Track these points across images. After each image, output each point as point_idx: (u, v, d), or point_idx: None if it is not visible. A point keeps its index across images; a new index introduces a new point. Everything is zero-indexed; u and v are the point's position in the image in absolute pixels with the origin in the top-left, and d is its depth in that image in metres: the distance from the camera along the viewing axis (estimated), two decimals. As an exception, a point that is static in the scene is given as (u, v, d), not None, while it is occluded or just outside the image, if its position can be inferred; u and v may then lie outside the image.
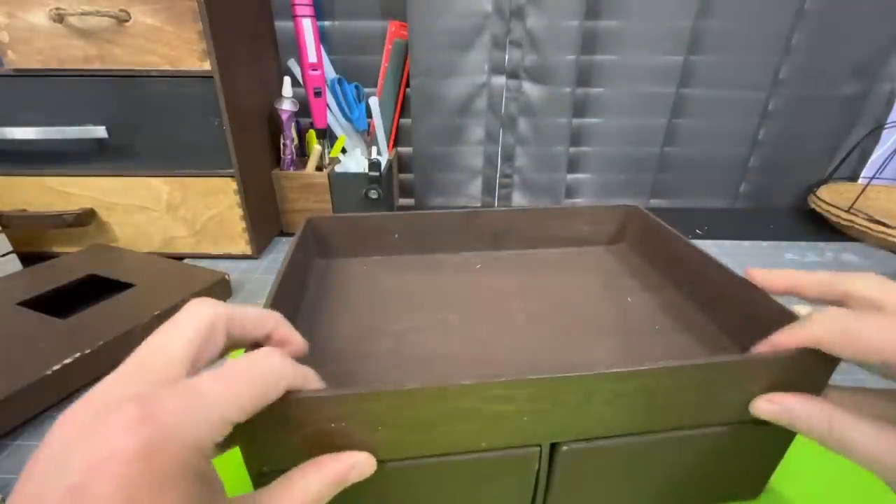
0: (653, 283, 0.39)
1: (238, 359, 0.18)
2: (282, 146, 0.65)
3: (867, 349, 0.20)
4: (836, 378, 0.23)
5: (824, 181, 0.77)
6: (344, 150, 0.70)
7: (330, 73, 0.69)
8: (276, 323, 0.22)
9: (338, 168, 0.68)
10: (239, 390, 0.17)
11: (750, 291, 0.28)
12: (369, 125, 0.72)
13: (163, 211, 0.58)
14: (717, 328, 0.32)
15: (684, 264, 0.36)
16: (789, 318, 0.25)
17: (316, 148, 0.66)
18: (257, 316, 0.21)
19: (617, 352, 0.31)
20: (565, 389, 0.21)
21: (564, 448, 0.23)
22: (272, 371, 0.18)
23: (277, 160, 0.67)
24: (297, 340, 0.23)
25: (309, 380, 0.20)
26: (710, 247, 0.65)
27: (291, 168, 0.66)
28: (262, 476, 0.21)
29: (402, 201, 0.83)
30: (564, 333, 0.33)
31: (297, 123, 0.67)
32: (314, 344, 0.25)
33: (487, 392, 0.20)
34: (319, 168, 0.67)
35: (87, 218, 0.57)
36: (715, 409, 0.23)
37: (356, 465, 0.20)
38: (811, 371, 0.22)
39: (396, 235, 0.42)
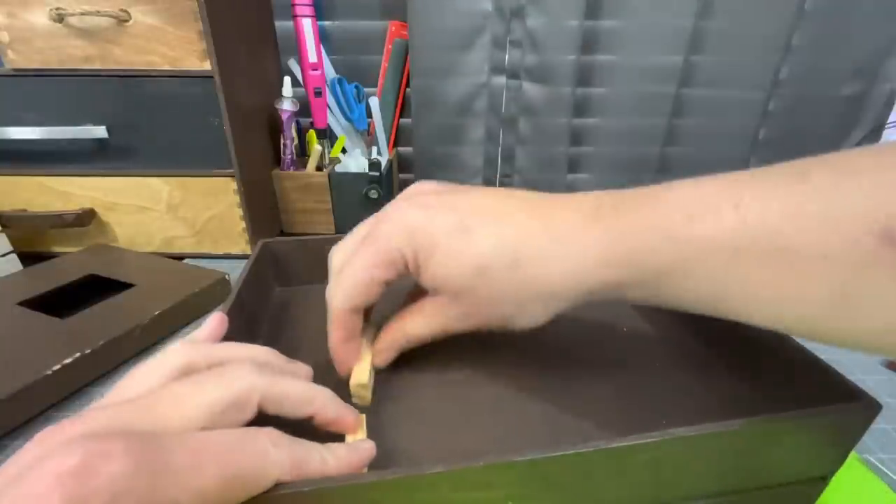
0: (649, 308, 0.35)
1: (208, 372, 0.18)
2: (282, 146, 0.65)
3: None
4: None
5: (824, 181, 0.77)
6: (344, 150, 0.70)
7: (330, 73, 0.69)
8: (322, 402, 0.20)
9: (338, 168, 0.68)
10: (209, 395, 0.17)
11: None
12: (369, 125, 0.72)
13: (163, 211, 0.58)
14: (723, 367, 0.29)
15: None
16: (799, 352, 0.23)
17: (316, 148, 0.66)
18: (299, 396, 0.19)
19: (612, 398, 0.27)
20: (558, 469, 0.18)
21: None
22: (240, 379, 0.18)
23: (277, 160, 0.67)
24: (347, 421, 0.21)
25: (316, 401, 0.20)
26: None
27: (291, 168, 0.66)
28: None
29: (402, 201, 0.83)
30: (550, 375, 0.28)
31: (297, 123, 0.67)
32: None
33: (462, 479, 0.17)
34: (319, 168, 0.67)
35: (87, 218, 0.57)
36: (733, 475, 0.20)
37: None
38: (848, 425, 0.20)
39: None
